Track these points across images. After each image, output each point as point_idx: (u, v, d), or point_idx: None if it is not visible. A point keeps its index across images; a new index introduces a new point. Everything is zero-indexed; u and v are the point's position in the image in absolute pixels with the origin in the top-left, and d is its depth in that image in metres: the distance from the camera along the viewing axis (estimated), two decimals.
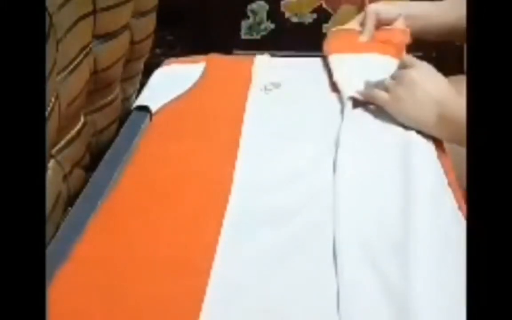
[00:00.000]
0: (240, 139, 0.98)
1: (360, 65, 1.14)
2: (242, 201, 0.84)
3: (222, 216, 0.81)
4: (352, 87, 1.05)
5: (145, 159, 0.95)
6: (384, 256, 0.73)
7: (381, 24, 1.21)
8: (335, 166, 0.89)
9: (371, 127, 0.99)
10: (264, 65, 1.22)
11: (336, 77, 1.11)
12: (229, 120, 1.04)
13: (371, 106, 1.02)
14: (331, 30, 1.31)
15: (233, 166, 0.91)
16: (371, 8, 1.21)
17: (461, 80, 1.10)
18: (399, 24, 1.19)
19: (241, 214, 0.81)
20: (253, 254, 0.75)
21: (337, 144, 0.94)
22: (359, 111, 1.02)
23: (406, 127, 0.96)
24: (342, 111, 1.02)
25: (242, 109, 1.06)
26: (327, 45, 1.23)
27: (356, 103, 1.02)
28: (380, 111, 1.00)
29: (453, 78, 1.15)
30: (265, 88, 1.13)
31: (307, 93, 1.11)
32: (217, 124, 1.04)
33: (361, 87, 1.03)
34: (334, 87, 1.10)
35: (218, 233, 0.78)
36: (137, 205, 0.86)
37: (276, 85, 1.14)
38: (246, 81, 1.15)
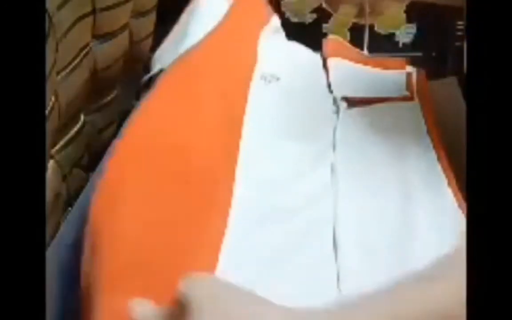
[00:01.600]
0: (240, 141, 0.97)
1: (357, 70, 1.15)
2: (242, 201, 0.84)
3: (226, 213, 0.81)
4: (345, 88, 1.06)
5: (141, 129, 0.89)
6: (384, 254, 0.73)
7: None
8: (333, 166, 0.89)
9: (367, 127, 0.99)
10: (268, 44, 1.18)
11: (332, 77, 1.12)
12: (229, 111, 1.00)
13: (366, 106, 1.02)
14: (329, 37, 1.31)
15: (235, 162, 0.90)
16: None
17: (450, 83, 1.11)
18: None
19: (241, 215, 0.81)
20: (254, 252, 0.75)
21: (334, 144, 0.94)
22: (355, 111, 1.02)
23: (401, 127, 0.97)
24: (338, 111, 1.03)
25: (244, 100, 1.02)
26: (325, 48, 1.23)
27: (352, 103, 1.03)
28: (375, 111, 1.01)
29: (446, 80, 1.16)
30: (265, 79, 1.11)
31: (306, 90, 1.11)
32: (218, 105, 0.97)
33: (355, 88, 1.05)
34: (331, 87, 1.10)
35: (222, 233, 0.78)
36: (137, 205, 0.85)
37: (276, 78, 1.13)
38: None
